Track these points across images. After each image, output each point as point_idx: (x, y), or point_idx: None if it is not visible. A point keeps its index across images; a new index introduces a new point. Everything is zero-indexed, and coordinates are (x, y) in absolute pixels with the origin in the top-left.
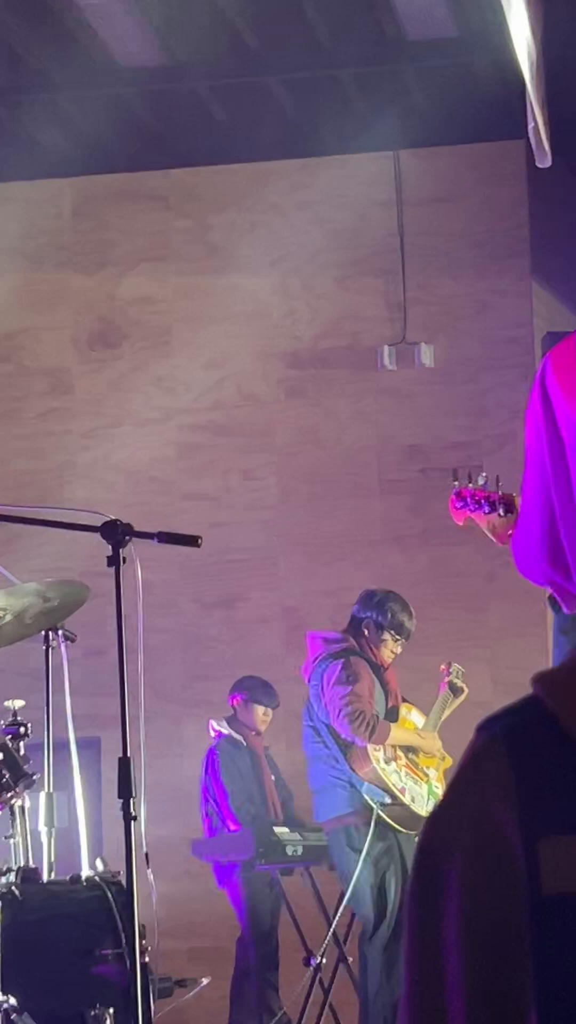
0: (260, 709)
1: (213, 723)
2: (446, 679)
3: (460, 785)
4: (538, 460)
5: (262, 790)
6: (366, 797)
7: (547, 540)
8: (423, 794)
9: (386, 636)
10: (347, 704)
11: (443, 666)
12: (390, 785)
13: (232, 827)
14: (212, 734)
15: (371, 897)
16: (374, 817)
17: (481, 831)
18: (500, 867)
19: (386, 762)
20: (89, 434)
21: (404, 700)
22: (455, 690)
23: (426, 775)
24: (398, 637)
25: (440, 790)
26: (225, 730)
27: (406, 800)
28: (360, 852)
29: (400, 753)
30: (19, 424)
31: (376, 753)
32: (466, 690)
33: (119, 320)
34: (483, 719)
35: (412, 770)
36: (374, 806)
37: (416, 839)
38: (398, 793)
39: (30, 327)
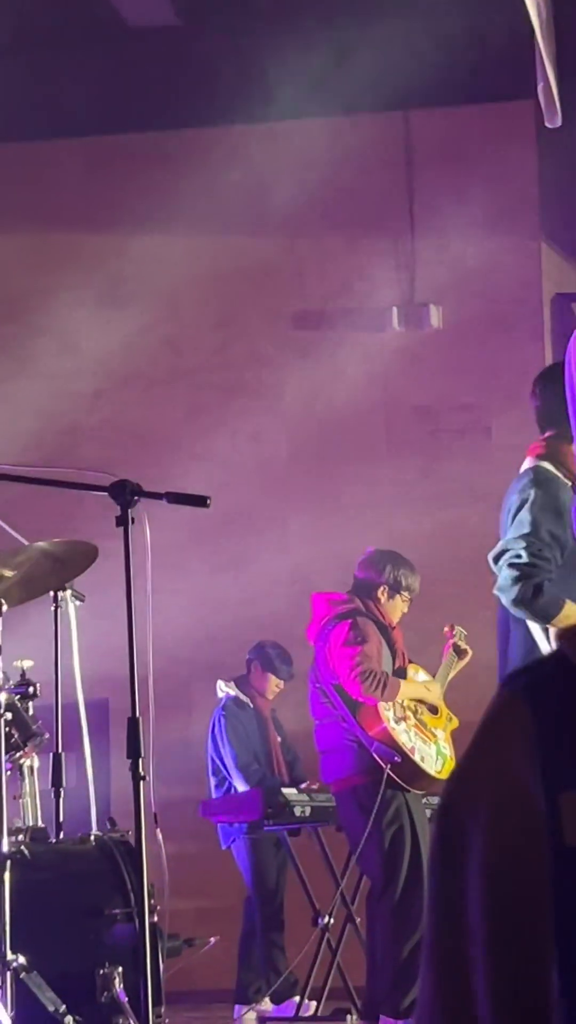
0: (274, 680)
1: (221, 684)
2: (450, 641)
3: (482, 740)
4: None
5: (268, 751)
6: (375, 757)
7: None
8: (432, 754)
9: (392, 596)
10: (357, 664)
11: (447, 628)
12: (400, 744)
13: (239, 787)
14: (220, 695)
15: (380, 857)
16: (384, 777)
17: (503, 785)
18: (522, 820)
19: (396, 721)
20: (98, 394)
21: (411, 661)
22: (459, 652)
23: (434, 735)
24: (404, 596)
25: (448, 751)
26: (232, 691)
27: (416, 759)
28: (369, 812)
29: (409, 714)
30: (27, 384)
31: (387, 712)
32: (470, 652)
33: (128, 280)
34: (507, 674)
35: (421, 730)
36: (383, 765)
37: (425, 798)
38: (408, 752)
39: (39, 287)
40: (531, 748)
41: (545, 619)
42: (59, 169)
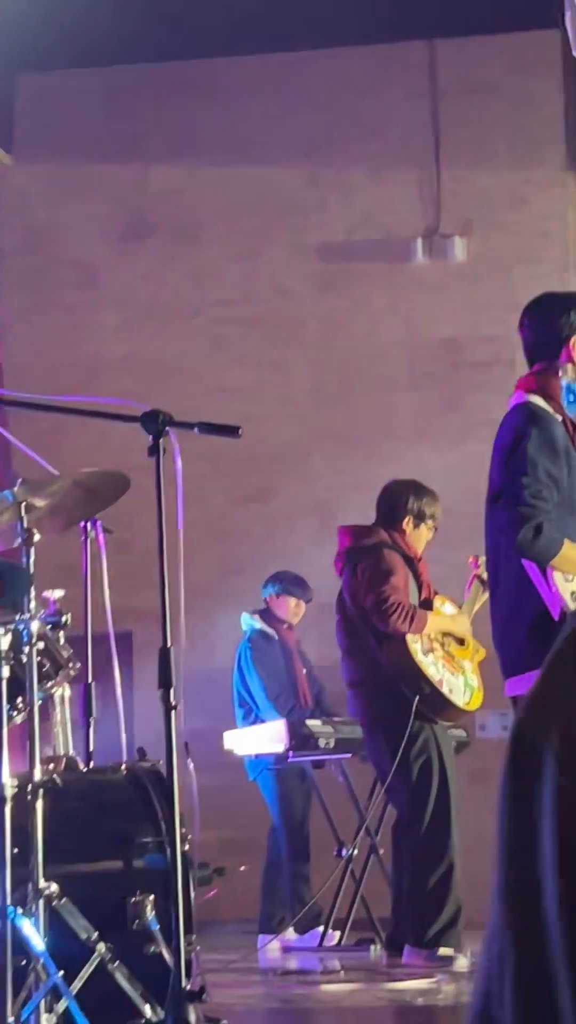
0: (292, 601)
1: (246, 616)
2: (475, 572)
3: (556, 668)
4: None
5: (294, 683)
6: (403, 689)
7: None
8: (460, 686)
9: (416, 525)
10: (385, 596)
11: (471, 559)
12: (428, 676)
13: (269, 718)
14: (244, 628)
15: (408, 788)
16: (412, 709)
17: None
18: None
19: (424, 653)
20: (120, 327)
21: (437, 592)
22: (484, 583)
23: (462, 667)
24: (428, 525)
25: (475, 682)
26: (258, 624)
27: (444, 691)
28: (397, 744)
29: (436, 645)
30: (50, 317)
31: (414, 644)
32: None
33: (150, 212)
34: None
35: (448, 662)
36: (411, 697)
37: (452, 732)
38: (436, 684)
39: (60, 219)
40: None
41: (544, 560)
42: (80, 100)
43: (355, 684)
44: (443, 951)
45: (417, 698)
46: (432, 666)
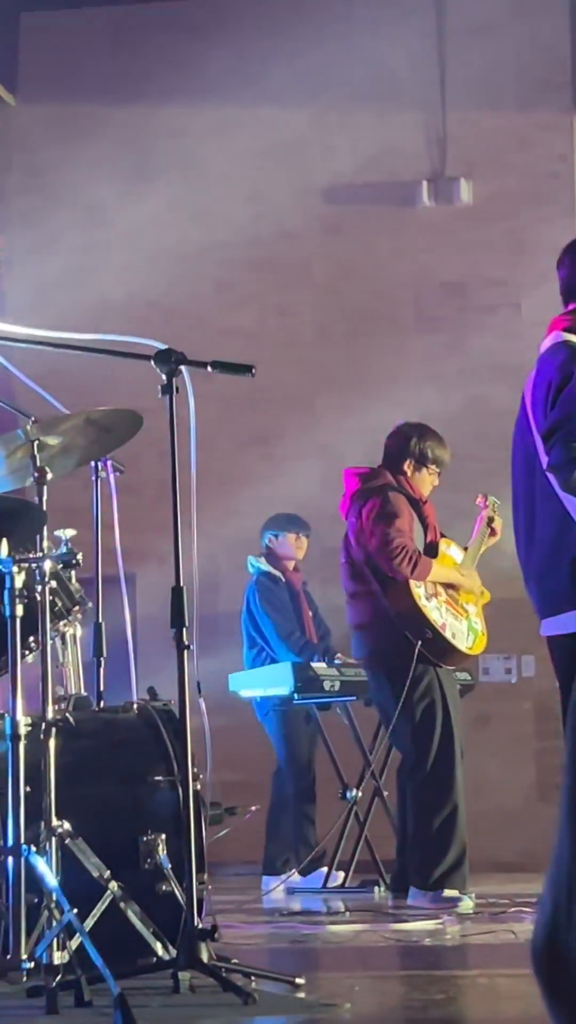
0: (291, 536)
1: (251, 559)
2: (483, 512)
3: None
4: None
5: (302, 624)
6: (406, 633)
7: None
8: (463, 630)
9: (419, 468)
10: (390, 539)
11: (479, 498)
12: (431, 620)
13: (282, 657)
14: (251, 570)
15: (411, 731)
16: (416, 653)
17: None
18: None
19: (427, 598)
20: (125, 268)
21: (443, 535)
22: (492, 525)
23: (466, 611)
24: (435, 469)
25: (479, 626)
26: (264, 566)
27: (447, 635)
28: (401, 687)
29: (440, 589)
30: (54, 257)
31: (417, 589)
32: (499, 524)
33: (155, 153)
34: None
35: (452, 606)
36: (414, 641)
37: (456, 674)
38: (439, 629)
39: (65, 159)
40: None
41: None
42: (85, 39)
43: (360, 627)
44: (448, 892)
45: (420, 642)
46: (435, 610)
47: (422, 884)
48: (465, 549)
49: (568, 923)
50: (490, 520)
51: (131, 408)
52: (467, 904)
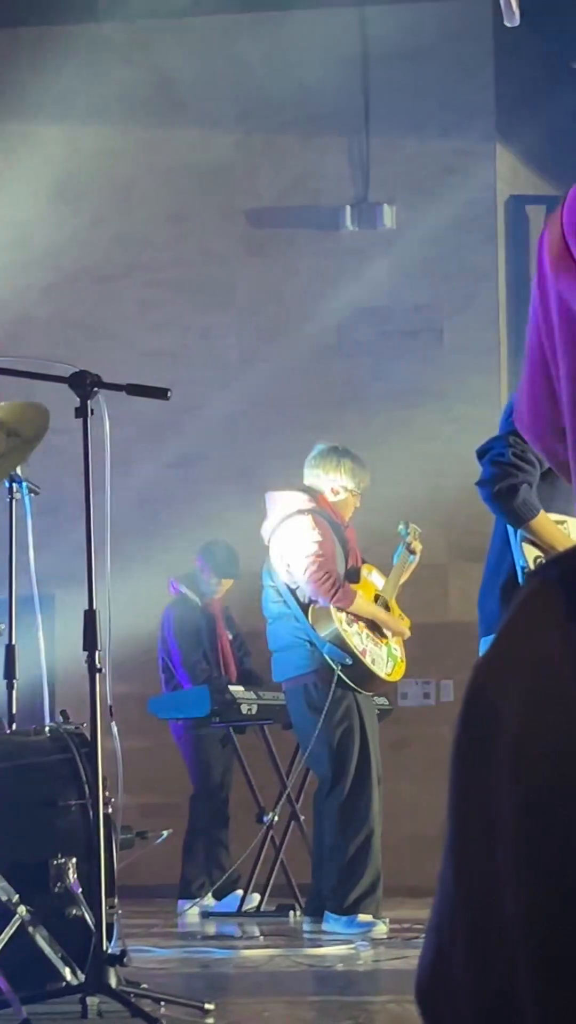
0: (225, 583)
1: (174, 581)
2: (404, 539)
3: (515, 629)
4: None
5: (215, 649)
6: (327, 657)
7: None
8: (383, 656)
9: (343, 492)
10: (312, 563)
11: (401, 526)
12: (351, 646)
13: (185, 684)
14: (172, 592)
15: (329, 755)
16: (335, 677)
17: (539, 671)
18: (560, 705)
19: (348, 623)
20: (48, 288)
21: (364, 561)
22: (411, 549)
23: (386, 637)
24: (355, 493)
25: (399, 652)
26: (183, 589)
27: (367, 661)
28: (319, 711)
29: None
30: None
31: (339, 614)
32: (418, 551)
33: (80, 173)
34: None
35: (372, 632)
36: (334, 666)
37: (374, 699)
38: (359, 655)
39: None
40: (569, 638)
41: (517, 522)
42: (8, 57)
43: (280, 650)
44: (362, 917)
45: (340, 668)
46: (356, 636)
47: (337, 909)
48: (386, 576)
49: (450, 955)
50: (408, 546)
51: (53, 427)
52: (381, 929)
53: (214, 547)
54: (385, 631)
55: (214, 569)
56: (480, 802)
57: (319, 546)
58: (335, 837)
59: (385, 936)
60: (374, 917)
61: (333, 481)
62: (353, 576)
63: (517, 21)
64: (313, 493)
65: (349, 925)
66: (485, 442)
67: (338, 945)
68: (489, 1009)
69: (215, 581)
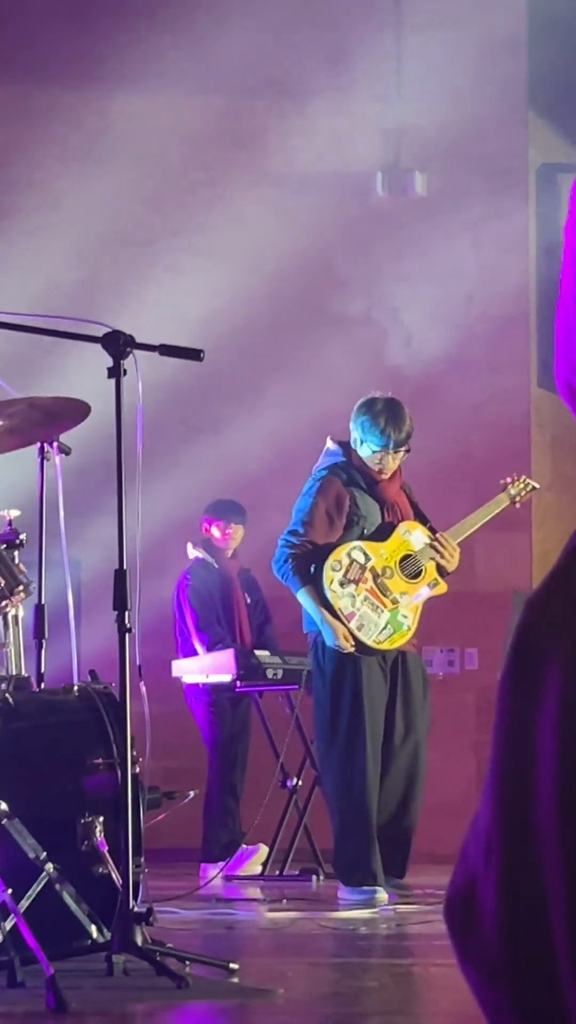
0: (220, 524)
1: (190, 546)
2: (509, 490)
3: (564, 573)
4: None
5: (231, 613)
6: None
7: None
8: (378, 623)
9: (377, 449)
10: (286, 541)
11: (507, 478)
12: (337, 608)
13: (199, 649)
14: (190, 557)
15: (319, 717)
16: (316, 641)
17: None
18: None
19: (341, 585)
20: (78, 252)
21: (423, 519)
22: (511, 498)
23: (394, 602)
24: (388, 449)
25: (409, 619)
26: (200, 554)
27: (352, 626)
28: (323, 670)
29: (368, 576)
30: (5, 239)
31: (332, 573)
32: (519, 502)
33: (110, 138)
34: None
35: (375, 595)
36: (320, 627)
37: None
38: (344, 619)
39: (19, 141)
40: None
41: None
42: (41, 21)
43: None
44: (364, 887)
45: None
46: (347, 598)
47: (339, 877)
48: (433, 532)
49: (485, 887)
50: (509, 494)
51: (82, 389)
52: (381, 897)
53: (215, 502)
54: (400, 597)
55: (217, 516)
56: (524, 747)
57: (306, 514)
58: (328, 805)
59: (387, 903)
60: (373, 884)
61: (360, 438)
62: (383, 532)
63: None
64: (347, 448)
65: (352, 893)
66: None
67: (360, 909)
68: (518, 929)
69: (221, 526)
